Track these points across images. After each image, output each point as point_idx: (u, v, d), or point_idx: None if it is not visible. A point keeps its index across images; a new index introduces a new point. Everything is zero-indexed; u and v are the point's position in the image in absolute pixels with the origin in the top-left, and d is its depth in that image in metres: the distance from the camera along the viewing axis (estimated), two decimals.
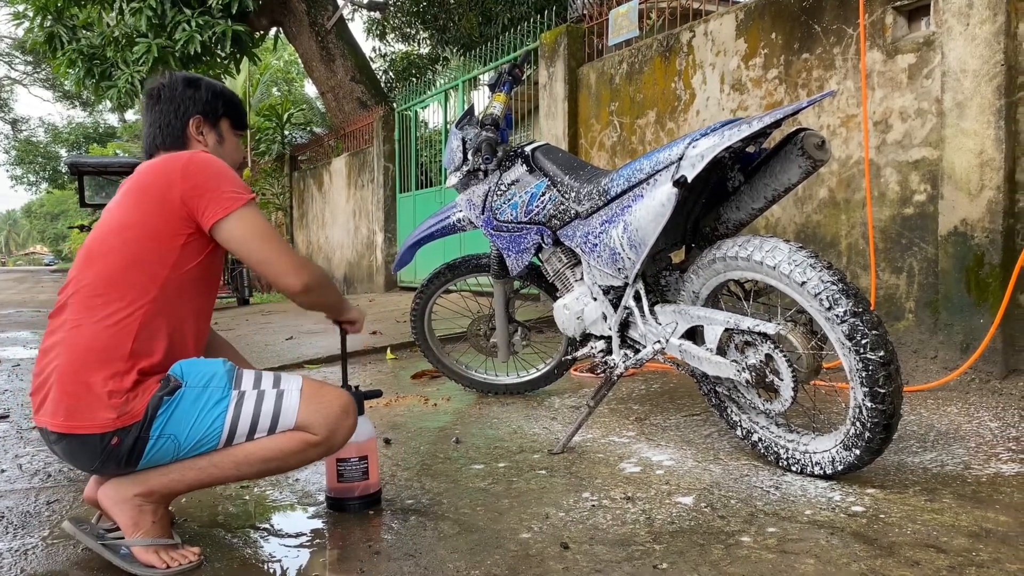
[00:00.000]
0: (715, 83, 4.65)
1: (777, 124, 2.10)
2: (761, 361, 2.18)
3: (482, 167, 2.92)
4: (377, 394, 2.19)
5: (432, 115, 9.73)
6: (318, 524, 2.04)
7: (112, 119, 37.39)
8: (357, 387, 2.07)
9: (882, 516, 1.91)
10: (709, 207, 2.42)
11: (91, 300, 1.71)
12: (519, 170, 2.84)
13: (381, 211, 9.73)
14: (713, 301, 2.40)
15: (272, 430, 1.75)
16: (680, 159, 2.16)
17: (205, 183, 1.75)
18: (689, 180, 2.11)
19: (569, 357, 3.05)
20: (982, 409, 2.88)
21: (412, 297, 3.56)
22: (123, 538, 1.75)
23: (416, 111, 9.32)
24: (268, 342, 5.79)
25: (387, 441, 2.79)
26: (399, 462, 2.56)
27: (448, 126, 8.46)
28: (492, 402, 3.43)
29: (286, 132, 14.52)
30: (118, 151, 27.18)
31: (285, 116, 14.39)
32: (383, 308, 7.59)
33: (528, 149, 2.88)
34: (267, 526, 2.04)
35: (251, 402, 1.74)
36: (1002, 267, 3.19)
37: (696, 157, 2.11)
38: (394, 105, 9.91)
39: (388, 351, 4.99)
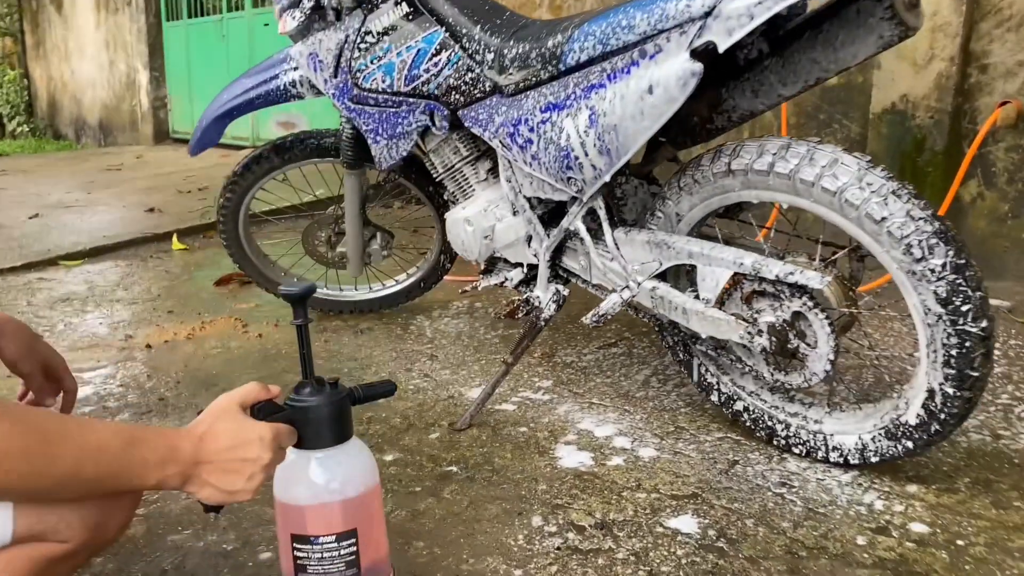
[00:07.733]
0: None
1: None
2: (785, 321, 1.52)
3: (335, 4, 1.92)
4: (390, 392, 1.18)
5: None
6: None
7: None
8: (332, 380, 1.09)
9: (959, 542, 1.39)
10: (703, 86, 1.65)
11: None
12: (396, 12, 1.88)
13: (143, 43, 7.96)
14: (698, 228, 1.69)
15: None
16: (708, 14, 1.36)
17: None
18: (721, 50, 1.33)
19: (455, 278, 2.26)
20: None
21: (220, 186, 2.53)
22: None
23: None
24: (2, 222, 4.40)
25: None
26: None
27: None
28: (339, 328, 2.58)
29: None
30: None
31: None
32: (158, 169, 6.22)
33: None
34: None
35: None
36: (945, 154, 2.75)
37: (741, 14, 1.31)
38: None
39: (174, 238, 3.88)
